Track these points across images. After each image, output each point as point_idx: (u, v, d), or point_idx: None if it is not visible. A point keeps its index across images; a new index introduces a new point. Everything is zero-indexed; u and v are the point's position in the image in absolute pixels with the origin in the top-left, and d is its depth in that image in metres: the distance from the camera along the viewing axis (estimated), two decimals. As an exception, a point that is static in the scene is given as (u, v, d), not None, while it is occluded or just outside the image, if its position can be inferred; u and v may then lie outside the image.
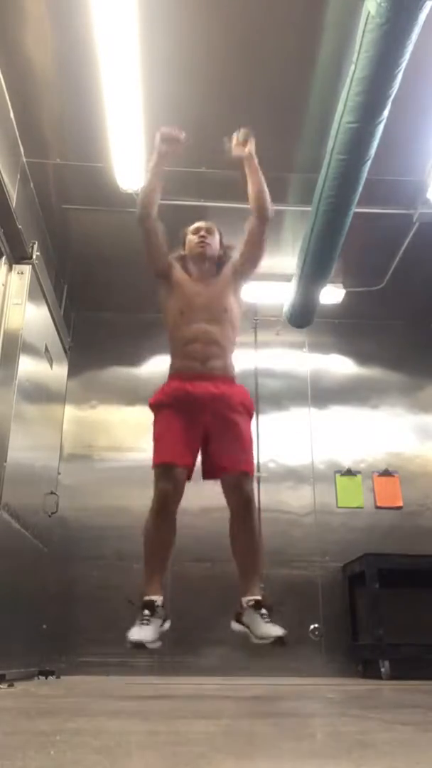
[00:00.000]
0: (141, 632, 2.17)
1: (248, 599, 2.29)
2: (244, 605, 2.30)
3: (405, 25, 2.36)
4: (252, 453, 2.54)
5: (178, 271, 2.70)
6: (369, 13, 2.38)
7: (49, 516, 3.96)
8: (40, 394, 3.80)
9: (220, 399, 2.48)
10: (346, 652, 4.32)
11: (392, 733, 1.25)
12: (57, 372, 4.26)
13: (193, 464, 2.46)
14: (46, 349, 3.90)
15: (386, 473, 4.88)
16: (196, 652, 4.12)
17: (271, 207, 2.65)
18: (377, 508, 4.78)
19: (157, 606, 2.28)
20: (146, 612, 2.24)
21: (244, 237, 2.70)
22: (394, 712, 1.82)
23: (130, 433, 4.82)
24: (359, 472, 4.88)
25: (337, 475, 4.86)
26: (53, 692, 2.51)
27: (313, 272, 3.99)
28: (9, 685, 2.73)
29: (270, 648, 2.15)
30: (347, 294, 4.81)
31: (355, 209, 3.41)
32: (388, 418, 5.10)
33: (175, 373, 2.58)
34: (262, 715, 1.72)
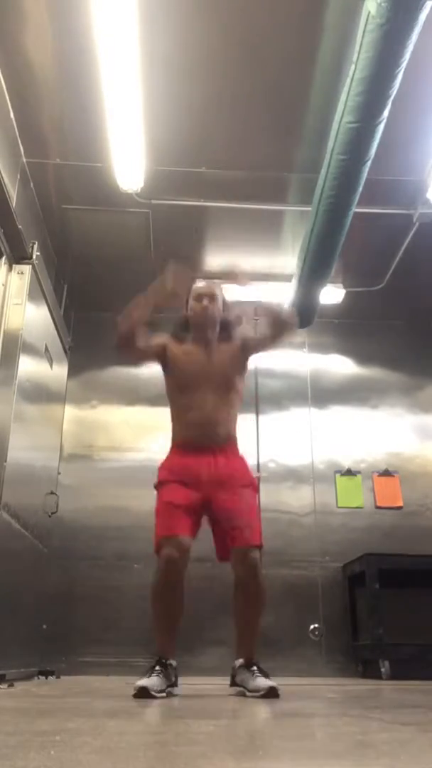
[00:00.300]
0: (149, 681, 2.17)
1: (240, 659, 2.38)
2: (237, 666, 2.39)
3: (405, 25, 2.36)
4: (259, 523, 2.50)
5: (174, 347, 2.64)
6: (369, 13, 2.38)
7: (49, 516, 3.96)
8: (40, 394, 3.80)
9: (224, 477, 2.46)
10: (346, 652, 4.32)
11: (392, 733, 1.25)
12: (57, 372, 4.26)
13: (195, 535, 2.42)
14: (46, 349, 3.90)
15: (386, 473, 4.88)
16: (196, 652, 4.12)
17: (291, 316, 2.67)
18: (377, 508, 4.78)
19: (170, 665, 2.31)
20: (158, 668, 2.26)
21: (265, 330, 2.66)
22: (394, 712, 1.82)
23: (130, 433, 4.82)
24: (359, 472, 4.88)
25: (337, 475, 4.86)
26: (53, 692, 2.51)
27: (313, 272, 3.99)
28: (9, 685, 2.73)
29: (263, 697, 2.15)
30: (347, 294, 4.81)
31: (355, 209, 3.41)
32: (388, 418, 5.10)
33: (177, 444, 2.56)
34: (261, 715, 1.72)
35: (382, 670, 3.75)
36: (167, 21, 2.90)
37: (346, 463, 4.91)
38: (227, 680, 2.51)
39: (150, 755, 1.00)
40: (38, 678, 3.55)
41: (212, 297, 2.67)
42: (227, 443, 2.54)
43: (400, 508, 4.78)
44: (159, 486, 2.49)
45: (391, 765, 0.91)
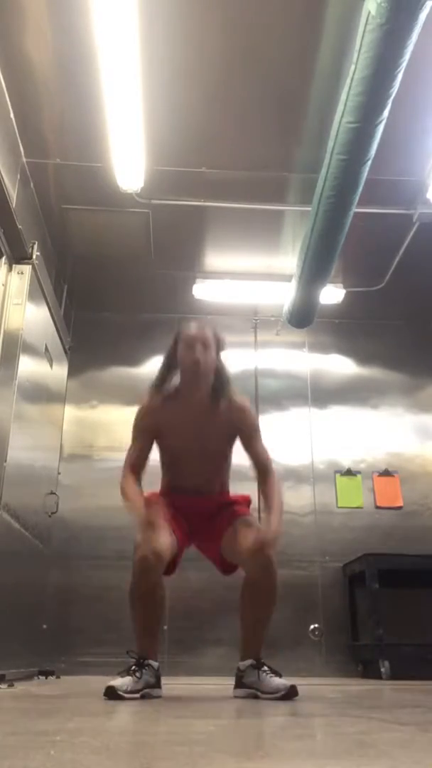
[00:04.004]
0: (119, 681, 2.06)
1: (246, 661, 2.25)
2: (242, 668, 2.26)
3: (405, 25, 2.36)
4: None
5: (160, 418, 2.45)
6: (369, 13, 2.38)
7: (49, 516, 3.96)
8: (40, 394, 3.80)
9: (219, 506, 2.43)
10: (346, 652, 4.32)
11: (392, 733, 1.25)
12: (57, 372, 4.26)
13: (184, 543, 2.34)
14: (46, 349, 3.90)
15: (386, 473, 4.88)
16: (196, 652, 4.12)
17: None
18: (377, 508, 4.78)
19: (149, 665, 2.17)
20: (134, 667, 2.14)
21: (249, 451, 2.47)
22: (394, 712, 1.82)
23: (130, 433, 4.80)
24: (359, 472, 4.88)
25: (337, 475, 4.86)
26: (53, 692, 2.51)
27: (313, 272, 3.99)
28: (9, 685, 2.73)
29: (279, 699, 2.07)
30: (347, 294, 4.81)
31: (355, 209, 3.41)
32: (388, 418, 5.10)
33: (165, 490, 2.50)
34: (262, 715, 1.72)
35: (382, 670, 3.75)
36: (167, 21, 2.90)
37: (346, 463, 4.91)
38: (227, 680, 2.44)
39: (150, 755, 1.00)
40: (38, 678, 3.55)
41: (205, 344, 2.35)
42: (221, 491, 2.50)
43: (400, 508, 4.79)
44: (146, 502, 2.34)
45: (391, 765, 0.91)
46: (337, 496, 4.80)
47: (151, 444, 2.49)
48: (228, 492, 2.54)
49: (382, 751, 1.04)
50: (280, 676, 2.18)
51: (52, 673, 3.71)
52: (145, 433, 2.49)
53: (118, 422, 4.89)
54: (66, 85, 3.23)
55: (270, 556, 2.20)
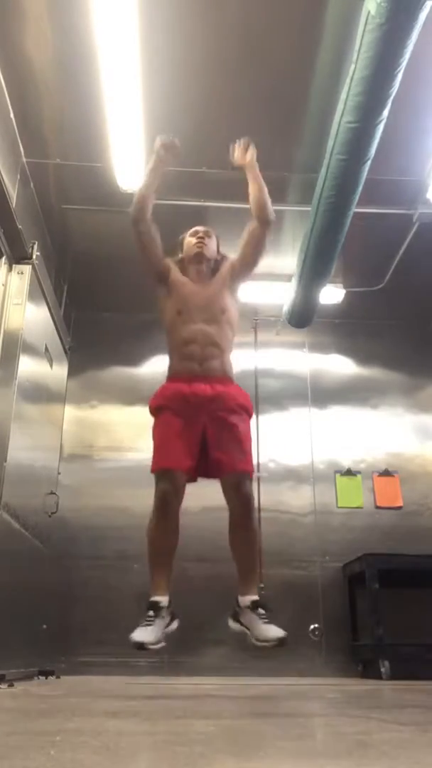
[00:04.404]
0: (143, 634, 2.18)
1: (246, 599, 2.33)
2: (242, 605, 2.34)
3: (405, 25, 2.36)
4: (251, 453, 2.53)
5: (175, 273, 2.71)
6: (369, 13, 2.38)
7: (49, 516, 3.96)
8: (40, 394, 3.80)
9: (218, 400, 2.48)
10: (346, 652, 4.31)
11: (392, 733, 1.25)
12: (57, 372, 4.26)
13: (193, 467, 2.45)
14: (46, 349, 3.90)
15: (386, 473, 4.88)
16: (196, 652, 4.12)
17: (272, 211, 2.68)
18: (377, 508, 4.78)
19: (162, 606, 2.30)
20: (150, 613, 2.26)
21: (244, 238, 2.71)
22: (394, 712, 1.82)
23: (130, 433, 4.82)
24: (359, 472, 4.88)
25: (337, 475, 4.86)
26: (53, 692, 2.51)
27: (313, 272, 3.99)
28: (9, 685, 2.73)
29: (270, 649, 2.17)
30: (347, 294, 4.81)
31: (355, 209, 3.41)
32: (388, 418, 5.10)
33: (173, 374, 2.59)
34: (262, 715, 1.72)
35: (382, 670, 3.75)
36: (167, 21, 2.90)
37: (346, 463, 4.91)
38: (228, 680, 2.50)
39: (150, 755, 1.00)
40: (38, 678, 3.55)
41: (207, 233, 2.78)
42: (224, 374, 2.57)
43: (399, 508, 4.79)
44: (155, 412, 2.53)
45: (391, 765, 0.91)
46: (337, 496, 4.80)
47: (161, 256, 2.71)
48: (231, 379, 2.59)
49: (381, 751, 1.04)
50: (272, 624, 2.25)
51: (52, 673, 3.71)
52: (165, 259, 2.74)
53: (118, 422, 4.90)
54: (66, 85, 3.23)
55: (248, 490, 2.40)
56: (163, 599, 2.32)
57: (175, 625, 2.36)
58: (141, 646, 2.14)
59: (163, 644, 2.23)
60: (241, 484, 2.40)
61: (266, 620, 2.24)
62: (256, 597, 2.32)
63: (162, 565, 2.40)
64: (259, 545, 2.50)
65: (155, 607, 2.28)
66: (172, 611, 2.36)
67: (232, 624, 2.39)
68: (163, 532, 2.37)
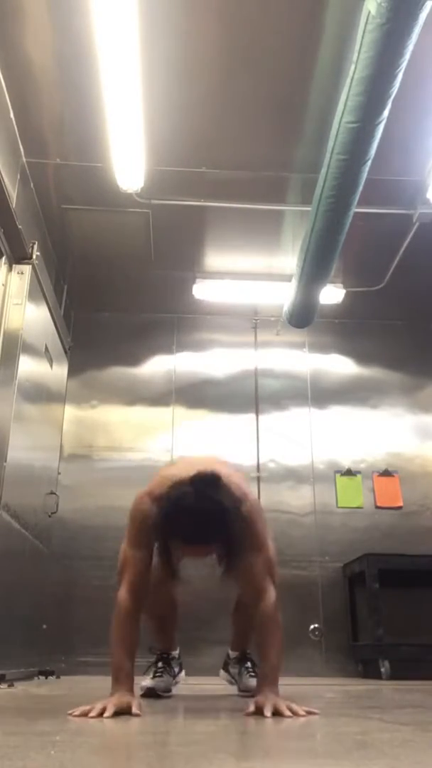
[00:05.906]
0: (153, 682, 2.21)
1: (235, 652, 2.44)
2: (231, 656, 2.45)
3: (405, 25, 2.36)
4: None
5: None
6: (369, 13, 2.38)
7: (49, 516, 3.96)
8: (40, 394, 3.80)
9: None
10: (346, 652, 4.32)
11: (392, 733, 1.25)
12: (57, 372, 4.26)
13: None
14: (46, 349, 3.90)
15: (386, 473, 4.88)
16: (196, 652, 4.11)
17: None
18: (377, 508, 4.78)
19: (173, 658, 2.33)
20: (160, 665, 2.27)
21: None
22: (394, 712, 1.82)
23: (130, 433, 4.82)
24: (359, 472, 4.88)
25: (337, 475, 4.86)
26: (53, 692, 2.51)
27: (313, 272, 3.98)
28: (9, 685, 2.73)
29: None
30: (347, 294, 4.81)
31: (355, 209, 3.41)
32: (388, 418, 5.10)
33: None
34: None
35: (382, 670, 3.75)
36: (167, 21, 2.90)
37: (346, 463, 4.91)
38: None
39: (150, 755, 1.00)
40: (38, 678, 3.55)
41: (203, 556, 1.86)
42: None
43: (399, 508, 4.79)
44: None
45: (391, 765, 0.91)
46: (337, 496, 4.80)
47: (152, 552, 1.83)
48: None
49: (382, 751, 1.04)
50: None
51: (52, 673, 3.71)
52: (148, 537, 1.82)
53: (117, 422, 4.89)
54: (66, 86, 3.23)
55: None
56: (174, 652, 2.36)
57: (182, 676, 2.39)
58: (151, 692, 2.16)
59: (173, 693, 2.27)
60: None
61: (252, 673, 2.32)
62: (245, 649, 2.42)
63: (163, 629, 2.33)
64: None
65: (166, 659, 2.30)
66: (180, 663, 2.39)
67: (222, 674, 2.53)
68: (157, 607, 2.12)
